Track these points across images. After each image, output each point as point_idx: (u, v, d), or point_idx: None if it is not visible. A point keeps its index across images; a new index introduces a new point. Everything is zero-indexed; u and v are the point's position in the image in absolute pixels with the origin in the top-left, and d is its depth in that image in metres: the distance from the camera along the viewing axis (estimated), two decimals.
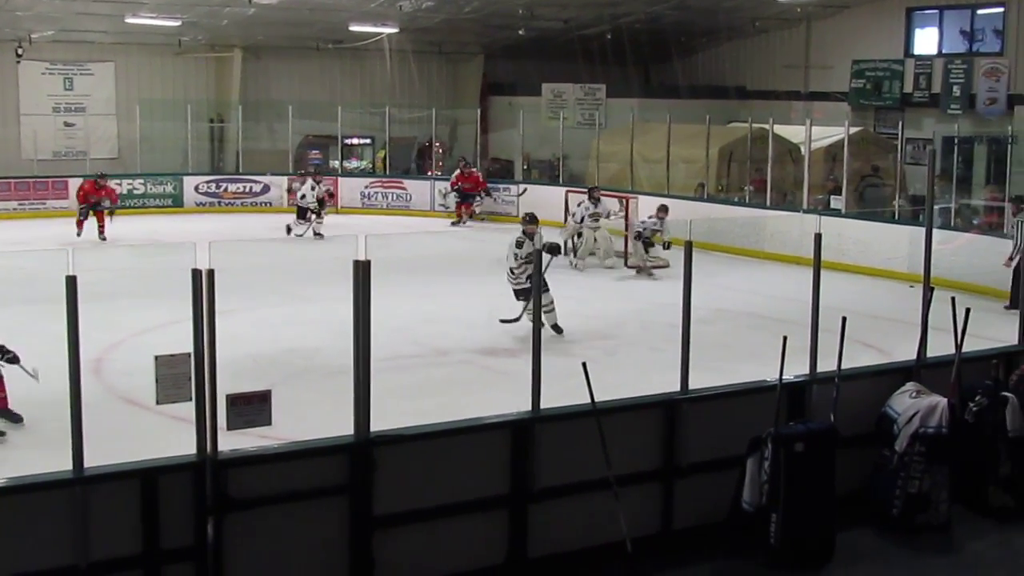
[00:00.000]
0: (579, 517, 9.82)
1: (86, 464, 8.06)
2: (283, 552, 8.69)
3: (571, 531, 9.80)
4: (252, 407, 8.54)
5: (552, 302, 17.67)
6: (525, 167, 38.45)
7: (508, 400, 10.68)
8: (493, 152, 41.05)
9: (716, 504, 10.17)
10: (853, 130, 30.05)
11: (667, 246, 24.13)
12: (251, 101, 38.93)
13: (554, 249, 18.30)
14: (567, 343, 17.02)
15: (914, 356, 11.48)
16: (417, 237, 29.69)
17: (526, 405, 9.72)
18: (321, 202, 30.66)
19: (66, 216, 29.04)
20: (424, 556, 9.21)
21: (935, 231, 12.68)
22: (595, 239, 25.71)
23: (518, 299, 17.85)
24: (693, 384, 10.42)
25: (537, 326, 10.28)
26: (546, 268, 16.70)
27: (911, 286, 19.86)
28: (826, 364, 10.80)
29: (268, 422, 8.62)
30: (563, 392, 10.27)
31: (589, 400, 9.76)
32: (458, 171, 34.47)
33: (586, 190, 27.69)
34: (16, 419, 12.98)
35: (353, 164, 39.64)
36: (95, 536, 8.00)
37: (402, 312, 17.61)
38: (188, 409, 8.35)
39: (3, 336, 13.06)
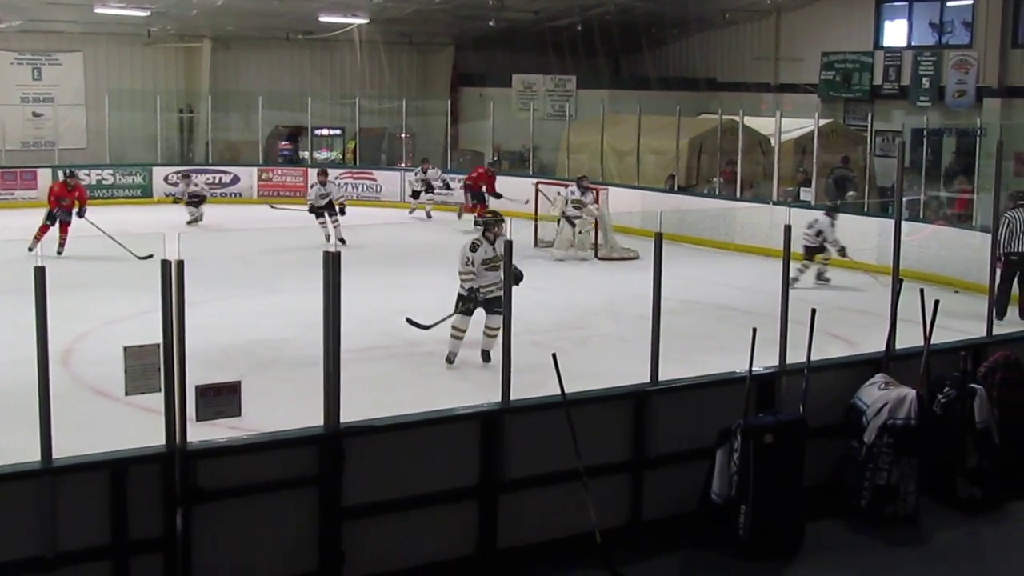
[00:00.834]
0: (549, 508, 9.82)
1: (54, 455, 8.03)
2: (252, 543, 8.67)
3: (541, 522, 9.80)
4: (221, 398, 8.52)
5: (499, 328, 14.24)
6: (495, 158, 38.44)
7: (478, 391, 10.68)
8: (463, 143, 41.06)
9: (685, 495, 10.18)
10: (823, 122, 30.11)
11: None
12: (221, 91, 38.85)
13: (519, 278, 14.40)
14: (538, 333, 17.02)
15: (883, 348, 11.52)
16: (387, 228, 29.66)
17: (496, 396, 9.72)
18: (201, 198, 31.16)
19: (35, 207, 28.84)
20: (394, 547, 9.20)
21: (904, 223, 12.71)
22: (574, 232, 25.72)
23: (461, 305, 15.71)
24: (662, 375, 10.43)
25: (507, 314, 10.22)
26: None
27: (956, 291, 19.64)
28: (795, 356, 10.82)
29: (237, 413, 8.60)
30: (533, 383, 10.28)
31: (559, 391, 9.77)
32: (483, 170, 31.87)
33: (557, 182, 27.73)
34: None
35: (323, 155, 39.58)
36: (63, 527, 7.96)
37: (372, 303, 17.61)
38: (157, 400, 8.32)
39: None
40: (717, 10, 39.28)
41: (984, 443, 11.14)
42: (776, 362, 10.90)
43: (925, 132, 29.72)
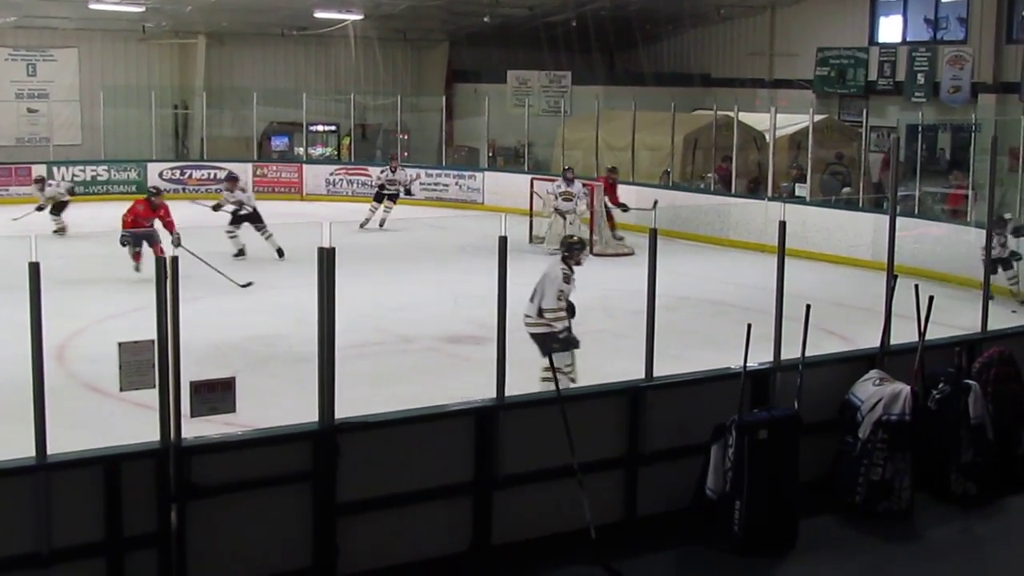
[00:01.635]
0: (543, 504, 9.83)
1: (49, 451, 8.02)
2: (247, 539, 8.68)
3: (535, 518, 9.81)
4: (216, 394, 8.53)
5: (574, 362, 13.54)
6: (490, 154, 38.45)
7: (472, 387, 10.68)
8: (458, 140, 41.04)
9: (680, 491, 10.20)
10: (818, 118, 30.19)
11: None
12: (215, 88, 38.82)
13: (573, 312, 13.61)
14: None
15: (878, 344, 11.53)
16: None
17: (491, 392, 9.72)
18: (62, 204, 27.97)
19: (29, 203, 28.78)
20: (388, 543, 9.21)
21: (898, 219, 12.72)
22: (564, 224, 25.73)
23: (549, 350, 12.90)
24: (657, 371, 10.43)
25: (501, 310, 10.20)
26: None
27: (1014, 311, 19.35)
28: (790, 352, 10.83)
29: (232, 409, 8.60)
30: (527, 379, 10.28)
31: (553, 387, 9.77)
32: (603, 177, 27.80)
33: (551, 178, 27.74)
34: None
35: (318, 151, 39.56)
36: (58, 523, 7.96)
37: (367, 299, 17.60)
38: (152, 396, 8.32)
39: None
40: (712, 5, 39.26)
41: (978, 439, 11.14)
42: (771, 358, 10.91)
43: (920, 128, 29.75)
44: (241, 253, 23.74)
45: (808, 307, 10.55)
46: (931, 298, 11.05)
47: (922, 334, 11.13)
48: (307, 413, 8.92)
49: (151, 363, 8.24)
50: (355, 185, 36.28)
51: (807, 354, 10.71)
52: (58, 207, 27.89)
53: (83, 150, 36.85)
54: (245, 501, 8.61)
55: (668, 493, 10.30)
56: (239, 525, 8.63)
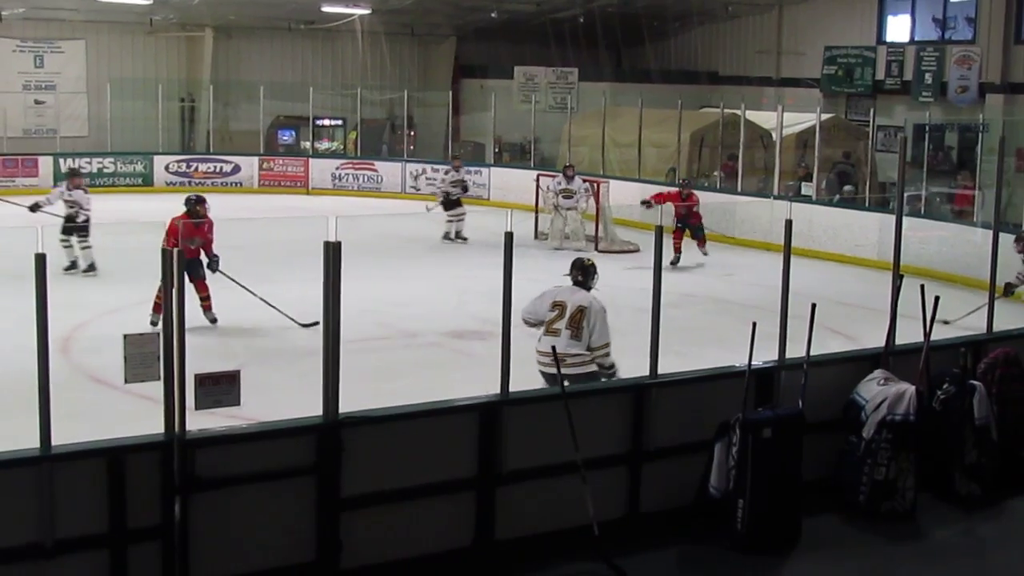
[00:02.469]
0: (546, 500, 9.81)
1: (53, 442, 8.02)
2: (250, 533, 8.66)
3: (538, 514, 9.80)
4: (220, 387, 8.52)
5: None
6: (496, 150, 38.46)
7: (477, 383, 10.67)
8: (464, 135, 41.05)
9: (683, 489, 10.19)
10: (824, 117, 30.16)
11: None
12: (222, 81, 38.88)
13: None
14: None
15: (883, 343, 11.50)
16: (388, 219, 29.63)
17: (495, 388, 9.71)
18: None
19: (35, 194, 28.75)
20: (391, 538, 9.20)
21: (904, 218, 12.70)
22: (565, 220, 25.73)
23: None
24: (661, 369, 10.41)
25: (506, 305, 10.19)
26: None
27: None
28: (795, 350, 10.81)
29: (236, 402, 8.59)
30: (532, 375, 10.27)
31: (558, 383, 9.77)
32: (678, 189, 25.83)
33: (557, 175, 27.76)
34: None
35: (324, 145, 39.60)
36: (61, 514, 7.95)
37: (372, 294, 17.61)
38: (156, 388, 8.31)
39: None
40: (719, 3, 39.30)
41: (983, 439, 11.13)
42: (775, 356, 10.89)
43: (927, 128, 29.74)
44: (78, 267, 21.36)
45: (813, 306, 10.53)
46: (937, 298, 11.02)
47: (927, 334, 11.12)
48: (311, 407, 8.91)
49: (156, 355, 8.24)
50: (361, 180, 36.31)
51: (812, 353, 10.69)
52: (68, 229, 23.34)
53: (90, 142, 36.93)
54: (249, 494, 8.60)
55: (671, 490, 10.29)
56: (242, 518, 8.62)
